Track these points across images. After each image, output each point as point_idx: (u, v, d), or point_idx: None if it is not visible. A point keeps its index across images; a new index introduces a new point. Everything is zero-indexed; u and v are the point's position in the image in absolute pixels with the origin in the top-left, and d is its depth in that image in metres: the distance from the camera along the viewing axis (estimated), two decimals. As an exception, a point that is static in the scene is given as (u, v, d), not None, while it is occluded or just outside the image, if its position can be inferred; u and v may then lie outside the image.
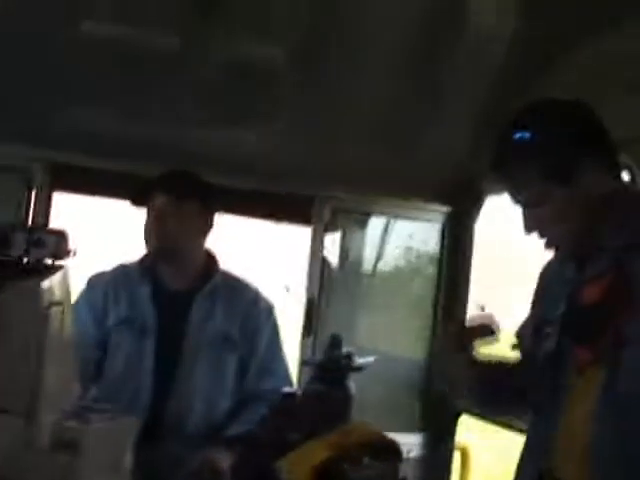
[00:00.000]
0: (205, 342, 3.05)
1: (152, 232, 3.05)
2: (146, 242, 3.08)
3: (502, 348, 2.50)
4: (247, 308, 3.14)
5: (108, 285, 3.13)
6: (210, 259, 3.19)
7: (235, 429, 2.93)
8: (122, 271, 3.17)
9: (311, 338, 4.15)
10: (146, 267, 3.13)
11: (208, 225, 3.14)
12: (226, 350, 3.07)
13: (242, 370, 3.10)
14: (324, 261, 4.22)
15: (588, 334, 2.01)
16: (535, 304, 2.35)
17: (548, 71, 3.07)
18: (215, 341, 3.06)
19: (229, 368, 3.07)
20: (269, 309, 3.20)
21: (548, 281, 2.31)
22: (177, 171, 3.13)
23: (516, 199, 2.10)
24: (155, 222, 3.04)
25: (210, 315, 3.08)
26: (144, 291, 3.10)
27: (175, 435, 2.94)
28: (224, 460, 2.75)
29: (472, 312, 4.32)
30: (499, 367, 2.34)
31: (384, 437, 1.78)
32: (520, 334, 2.43)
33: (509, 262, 23.83)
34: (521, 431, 2.37)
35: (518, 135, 2.01)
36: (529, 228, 2.09)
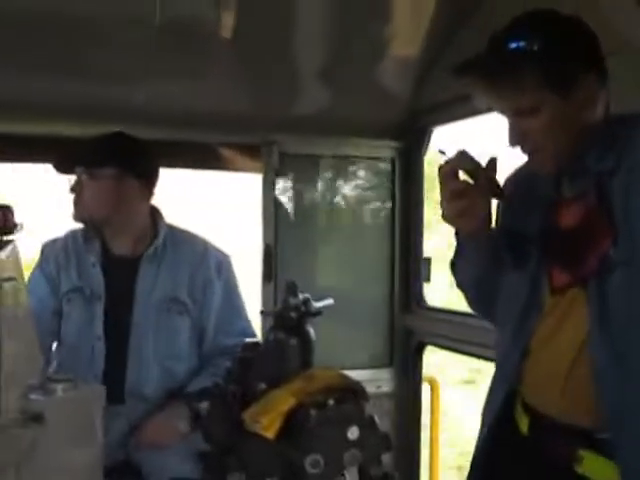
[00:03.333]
0: (153, 306, 3.02)
1: (73, 204, 3.01)
2: (82, 210, 3.02)
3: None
4: (195, 264, 3.08)
5: (59, 253, 3.13)
6: (155, 219, 3.14)
7: (196, 384, 2.93)
8: (72, 237, 3.15)
9: (272, 284, 4.17)
10: (91, 234, 3.11)
11: (135, 188, 3.04)
12: (174, 312, 3.04)
13: (198, 330, 3.08)
14: (278, 206, 4.22)
15: (569, 258, 2.03)
16: (502, 213, 2.36)
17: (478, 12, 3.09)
18: (162, 304, 3.03)
19: (181, 330, 3.05)
20: (219, 262, 3.13)
21: (518, 189, 2.30)
22: (122, 140, 3.06)
23: (505, 108, 2.07)
24: (73, 194, 3.01)
25: (156, 278, 3.05)
26: (91, 258, 3.09)
27: (136, 401, 2.96)
28: (180, 417, 2.81)
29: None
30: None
31: (347, 379, 1.79)
32: None
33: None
34: (486, 359, 2.39)
35: (514, 44, 1.99)
36: (516, 138, 2.07)
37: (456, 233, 2.29)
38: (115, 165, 2.98)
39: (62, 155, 3.09)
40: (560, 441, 2.04)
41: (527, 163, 2.20)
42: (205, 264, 3.09)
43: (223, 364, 2.89)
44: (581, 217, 2.01)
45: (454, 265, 2.38)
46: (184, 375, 3.04)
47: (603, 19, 2.48)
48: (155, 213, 3.16)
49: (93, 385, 2.04)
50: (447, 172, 2.14)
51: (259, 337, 3.13)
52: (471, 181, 2.13)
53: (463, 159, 2.13)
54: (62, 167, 3.06)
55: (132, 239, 3.08)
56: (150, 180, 3.10)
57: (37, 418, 1.62)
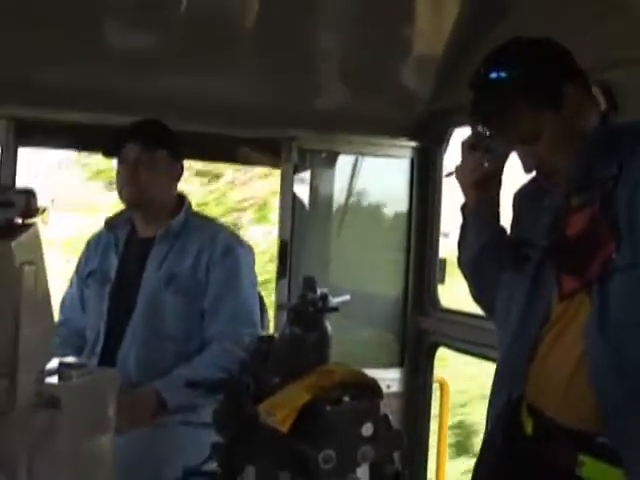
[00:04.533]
0: (154, 285, 3.02)
1: (124, 182, 3.05)
2: (119, 193, 3.08)
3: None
4: (203, 245, 3.05)
5: (94, 242, 3.23)
6: (178, 203, 3.17)
7: (182, 372, 2.84)
8: (108, 223, 3.22)
9: (286, 279, 4.16)
10: (125, 217, 3.18)
11: (177, 173, 3.15)
12: (170, 291, 3.00)
13: (197, 312, 3.02)
14: (295, 202, 4.22)
15: (575, 264, 2.05)
16: (512, 227, 2.41)
17: (511, 12, 3.10)
18: (161, 282, 3.01)
19: (173, 309, 3.00)
20: (229, 247, 3.07)
21: (525, 204, 2.37)
22: (146, 121, 3.11)
23: (510, 140, 2.15)
24: (127, 172, 3.04)
25: (165, 258, 3.05)
26: (110, 241, 3.16)
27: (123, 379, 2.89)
28: (145, 405, 2.79)
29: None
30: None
31: (363, 376, 1.79)
32: None
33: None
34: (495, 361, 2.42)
35: (494, 75, 2.08)
36: (529, 166, 2.15)
37: (462, 208, 2.44)
38: (167, 148, 3.07)
39: (114, 138, 3.12)
40: (562, 444, 2.06)
41: (541, 181, 2.24)
42: (213, 246, 3.05)
43: (204, 355, 2.93)
44: (586, 224, 2.03)
45: (460, 244, 2.49)
46: (173, 357, 2.96)
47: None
48: (182, 200, 3.19)
49: (107, 372, 2.05)
50: (468, 145, 2.33)
51: (260, 329, 3.10)
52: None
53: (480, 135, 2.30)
54: (111, 150, 3.10)
55: (158, 222, 3.10)
56: (181, 165, 3.18)
57: (53, 403, 1.62)
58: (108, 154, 3.18)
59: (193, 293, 3.02)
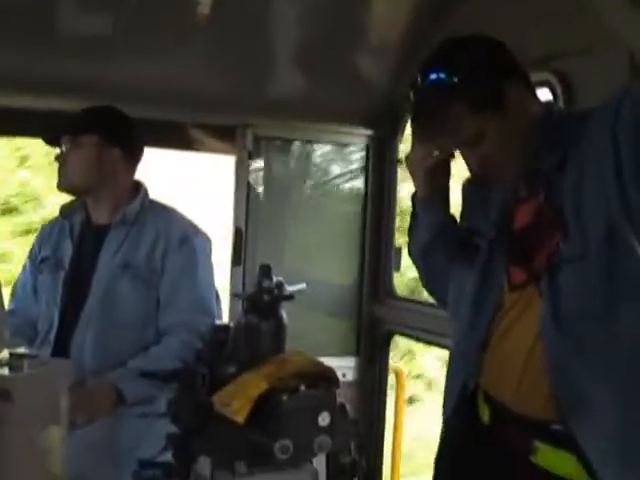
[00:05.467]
0: (109, 272, 2.97)
1: (57, 173, 3.01)
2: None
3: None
4: (158, 232, 3.00)
5: (48, 230, 3.18)
6: (134, 190, 3.10)
7: (137, 363, 2.80)
8: (63, 210, 3.16)
9: (241, 267, 4.14)
10: (80, 204, 3.12)
11: (117, 158, 3.03)
12: (127, 276, 2.95)
13: (154, 300, 2.98)
14: (249, 189, 4.19)
15: (522, 255, 2.07)
16: (462, 216, 2.43)
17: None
18: (117, 269, 2.96)
19: (131, 295, 2.96)
20: (185, 236, 3.03)
21: (475, 194, 2.37)
22: (81, 110, 3.05)
23: (454, 143, 2.15)
24: (58, 163, 3.01)
25: (120, 245, 3.00)
26: (65, 228, 3.10)
27: (78, 368, 2.83)
28: (103, 397, 2.74)
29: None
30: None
31: (320, 365, 1.78)
32: None
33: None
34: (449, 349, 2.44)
35: (434, 76, 2.04)
36: (476, 168, 2.14)
37: (412, 198, 2.45)
38: (97, 133, 2.98)
39: (47, 126, 3.09)
40: (517, 432, 2.09)
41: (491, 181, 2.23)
42: (169, 234, 3.01)
43: (163, 345, 2.90)
44: (532, 215, 2.05)
45: (410, 233, 2.51)
46: (130, 345, 2.92)
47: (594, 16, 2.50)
48: (139, 187, 3.12)
49: (60, 362, 2.01)
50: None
51: (219, 320, 3.07)
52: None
53: None
54: (49, 138, 3.05)
55: (111, 209, 3.05)
56: (133, 152, 3.10)
57: (4, 395, 1.59)
58: (50, 143, 3.12)
59: (149, 281, 2.97)
